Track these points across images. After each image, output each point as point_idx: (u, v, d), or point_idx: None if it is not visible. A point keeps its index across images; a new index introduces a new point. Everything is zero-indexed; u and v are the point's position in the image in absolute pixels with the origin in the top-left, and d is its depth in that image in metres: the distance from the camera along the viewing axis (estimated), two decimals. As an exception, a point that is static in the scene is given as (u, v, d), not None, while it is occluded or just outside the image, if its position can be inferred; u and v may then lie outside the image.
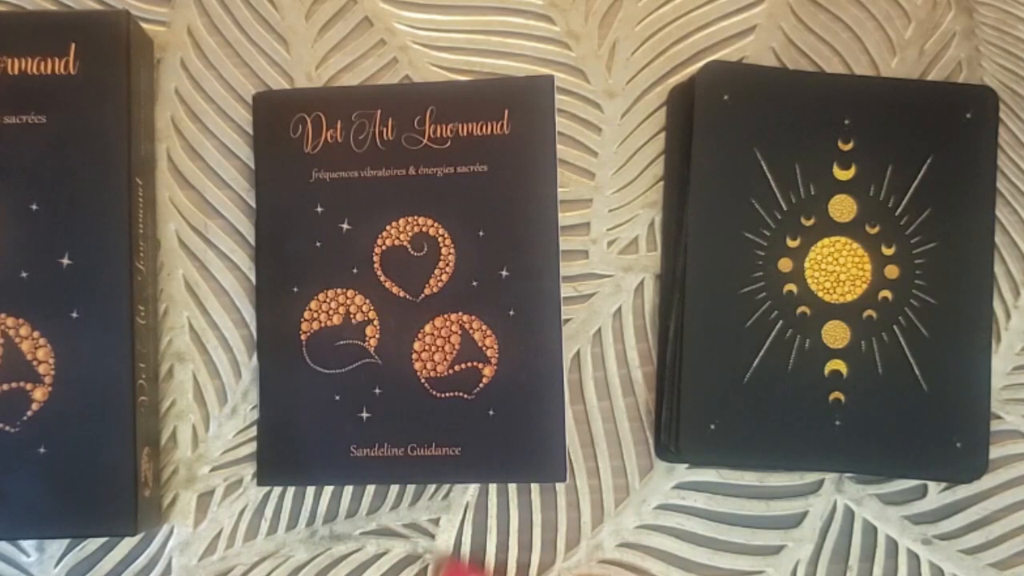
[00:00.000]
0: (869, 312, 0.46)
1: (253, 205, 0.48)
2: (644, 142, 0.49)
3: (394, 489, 0.47)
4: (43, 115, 0.44)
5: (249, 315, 0.48)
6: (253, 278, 0.48)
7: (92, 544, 0.47)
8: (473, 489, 0.48)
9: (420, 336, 0.46)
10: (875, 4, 0.50)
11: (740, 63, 0.49)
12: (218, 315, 0.48)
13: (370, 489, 0.47)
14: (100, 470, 0.43)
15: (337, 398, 0.46)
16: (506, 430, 0.46)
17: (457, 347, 0.46)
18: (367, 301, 0.47)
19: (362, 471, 0.46)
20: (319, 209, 0.47)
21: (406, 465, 0.46)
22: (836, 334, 0.46)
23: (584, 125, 0.49)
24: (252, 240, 0.48)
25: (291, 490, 0.47)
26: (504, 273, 0.46)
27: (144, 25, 0.49)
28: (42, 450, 0.43)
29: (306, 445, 0.46)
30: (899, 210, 0.47)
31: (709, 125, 0.46)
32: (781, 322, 0.46)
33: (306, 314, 0.47)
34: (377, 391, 0.46)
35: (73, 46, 0.44)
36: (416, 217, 0.47)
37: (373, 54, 0.49)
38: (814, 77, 0.48)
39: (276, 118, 0.47)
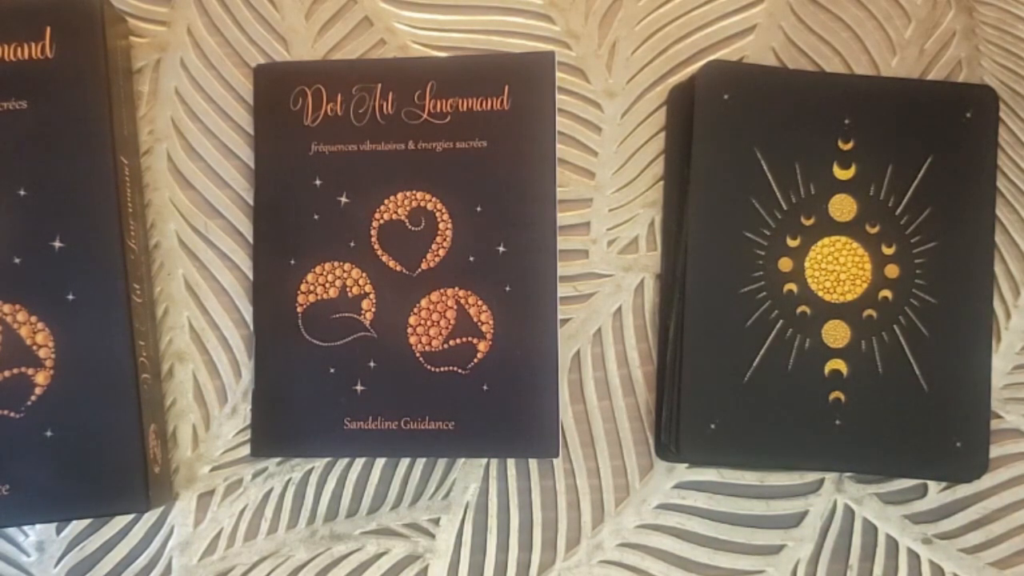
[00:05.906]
0: (869, 312, 0.46)
1: (253, 205, 0.48)
2: (644, 142, 0.49)
3: (394, 489, 0.48)
4: (24, 100, 0.44)
5: (249, 315, 0.48)
6: (253, 278, 0.48)
7: (92, 544, 0.47)
8: (473, 489, 0.48)
9: (416, 310, 0.46)
10: (875, 4, 0.50)
11: (740, 63, 0.49)
12: (218, 315, 0.48)
13: (370, 489, 0.47)
14: (108, 449, 0.43)
15: (332, 370, 0.46)
16: (500, 405, 0.46)
17: (452, 322, 0.46)
18: (364, 275, 0.47)
19: (356, 444, 0.46)
20: (317, 182, 0.47)
21: (400, 438, 0.46)
22: (836, 334, 0.46)
23: (584, 125, 0.49)
24: (252, 240, 0.48)
25: (291, 490, 0.47)
26: (501, 249, 0.46)
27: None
28: (49, 434, 0.43)
29: (300, 417, 0.46)
30: (899, 210, 0.47)
31: (709, 125, 0.46)
32: (781, 322, 0.46)
33: (303, 286, 0.47)
34: (372, 364, 0.46)
35: (48, 29, 0.44)
36: (414, 192, 0.47)
37: (373, 54, 0.49)
38: (814, 77, 0.48)
39: (277, 90, 0.47)
